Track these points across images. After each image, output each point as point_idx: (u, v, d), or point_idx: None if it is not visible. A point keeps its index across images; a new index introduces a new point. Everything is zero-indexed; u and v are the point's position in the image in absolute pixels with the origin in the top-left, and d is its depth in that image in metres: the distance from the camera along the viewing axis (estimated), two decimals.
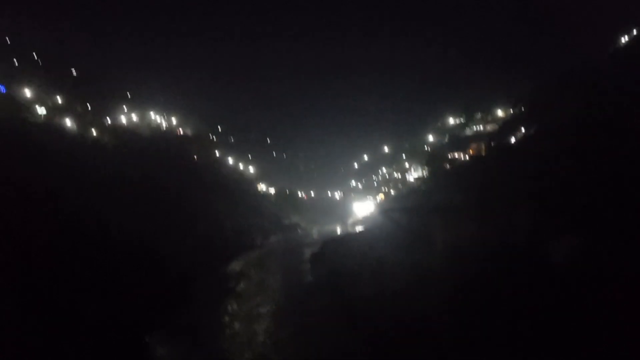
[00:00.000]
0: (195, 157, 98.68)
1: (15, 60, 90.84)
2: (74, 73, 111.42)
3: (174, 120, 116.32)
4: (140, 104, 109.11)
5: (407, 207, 67.85)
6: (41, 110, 68.15)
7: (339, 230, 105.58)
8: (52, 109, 71.80)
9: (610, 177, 24.90)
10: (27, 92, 70.43)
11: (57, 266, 26.19)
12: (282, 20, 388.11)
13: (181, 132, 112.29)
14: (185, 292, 33.75)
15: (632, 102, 31.49)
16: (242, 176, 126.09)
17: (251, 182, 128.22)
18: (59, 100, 77.84)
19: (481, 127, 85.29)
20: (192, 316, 30.10)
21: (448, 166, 73.57)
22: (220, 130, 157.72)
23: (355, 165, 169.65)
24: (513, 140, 56.24)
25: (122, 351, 23.53)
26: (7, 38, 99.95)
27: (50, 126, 63.97)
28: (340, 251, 54.95)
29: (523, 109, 63.65)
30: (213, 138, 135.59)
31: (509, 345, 18.81)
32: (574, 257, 22.36)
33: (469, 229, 36.01)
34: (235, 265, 53.85)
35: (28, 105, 67.18)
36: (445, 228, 41.67)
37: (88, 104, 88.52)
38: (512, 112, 73.50)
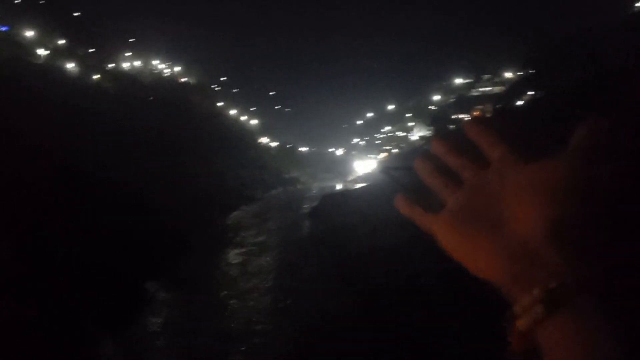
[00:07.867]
0: (197, 106, 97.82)
1: None
2: (78, 15, 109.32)
3: (176, 69, 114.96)
4: (143, 50, 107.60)
5: (408, 165, 67.59)
6: (42, 52, 67.26)
7: (338, 186, 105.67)
8: (54, 51, 70.95)
9: None
10: (29, 33, 69.35)
11: (51, 215, 26.19)
12: None
13: (183, 80, 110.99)
14: (184, 243, 33.97)
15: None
16: (244, 128, 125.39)
17: (253, 135, 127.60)
18: (62, 42, 76.71)
19: (488, 89, 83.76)
20: (192, 265, 30.40)
21: (453, 127, 72.76)
22: (223, 81, 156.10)
23: (359, 122, 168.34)
24: (520, 103, 55.37)
25: (122, 296, 23.76)
26: None
27: (50, 68, 63.26)
28: (339, 206, 54.98)
29: (531, 71, 62.35)
30: (215, 88, 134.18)
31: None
32: None
33: None
34: (235, 218, 54.15)
35: (29, 46, 66.34)
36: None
37: (90, 48, 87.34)
38: (520, 74, 72.14)
